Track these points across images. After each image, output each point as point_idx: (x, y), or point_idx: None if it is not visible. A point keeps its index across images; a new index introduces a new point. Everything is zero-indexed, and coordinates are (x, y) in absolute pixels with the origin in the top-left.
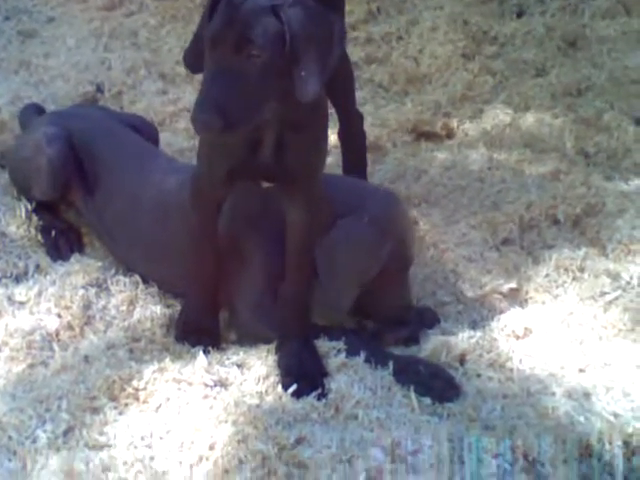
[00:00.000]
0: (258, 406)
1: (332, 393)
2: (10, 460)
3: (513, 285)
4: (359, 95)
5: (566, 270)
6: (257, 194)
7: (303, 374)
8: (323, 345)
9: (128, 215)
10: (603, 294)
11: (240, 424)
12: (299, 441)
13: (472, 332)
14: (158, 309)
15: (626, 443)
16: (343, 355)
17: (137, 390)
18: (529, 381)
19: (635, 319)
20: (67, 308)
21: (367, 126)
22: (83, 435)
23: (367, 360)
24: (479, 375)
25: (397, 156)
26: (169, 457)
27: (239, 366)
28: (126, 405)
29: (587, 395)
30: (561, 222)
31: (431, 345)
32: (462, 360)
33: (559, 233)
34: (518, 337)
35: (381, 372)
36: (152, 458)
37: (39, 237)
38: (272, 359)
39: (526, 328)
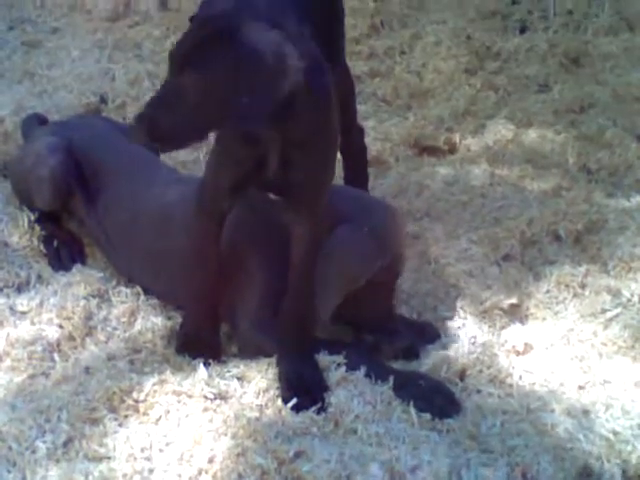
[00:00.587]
0: (258, 419)
1: (332, 407)
2: (9, 471)
3: (514, 301)
4: (362, 109)
5: (567, 286)
6: (260, 207)
7: (303, 388)
8: (323, 359)
9: (129, 226)
10: (604, 311)
11: (239, 437)
12: (298, 455)
13: (472, 347)
14: (159, 321)
15: (625, 461)
16: (343, 369)
17: (137, 402)
18: (529, 398)
19: (635, 336)
20: (68, 319)
21: (370, 140)
22: (83, 446)
23: (367, 375)
24: (479, 391)
25: (399, 170)
26: (168, 470)
27: (239, 379)
28: (126, 417)
29: (587, 412)
30: (562, 238)
31: (431, 360)
32: (462, 375)
33: (560, 249)
34: (518, 353)
35: (381, 387)
36: (151, 470)
37: (41, 247)
38: (272, 372)
39: (526, 344)
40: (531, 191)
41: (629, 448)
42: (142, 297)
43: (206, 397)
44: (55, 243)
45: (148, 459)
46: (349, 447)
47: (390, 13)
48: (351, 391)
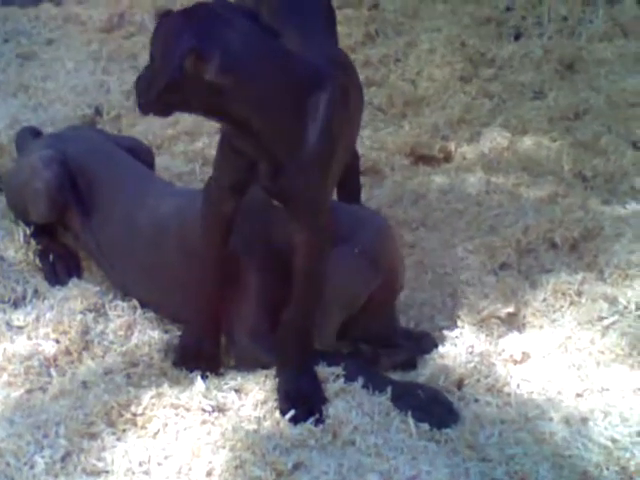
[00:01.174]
0: (256, 432)
1: (330, 419)
2: None
3: (511, 309)
4: None
5: (564, 294)
6: (258, 217)
7: (301, 400)
8: (322, 371)
9: (124, 239)
10: (601, 319)
11: (238, 450)
12: (297, 467)
13: (470, 357)
14: (156, 334)
15: (624, 469)
16: (342, 381)
17: (135, 416)
18: (527, 406)
19: (632, 344)
20: (65, 333)
21: (365, 149)
22: (81, 461)
23: (365, 386)
24: (477, 400)
25: (395, 179)
26: None
27: (237, 391)
28: (124, 431)
29: (585, 420)
30: (559, 246)
31: (429, 370)
32: (460, 385)
33: (556, 257)
34: (516, 362)
35: (379, 398)
36: None
37: (37, 262)
38: (270, 384)
39: (524, 353)
40: (527, 199)
41: (627, 455)
42: (139, 311)
43: (204, 410)
44: (51, 257)
45: (146, 473)
46: (347, 458)
47: (385, 21)
48: (349, 402)
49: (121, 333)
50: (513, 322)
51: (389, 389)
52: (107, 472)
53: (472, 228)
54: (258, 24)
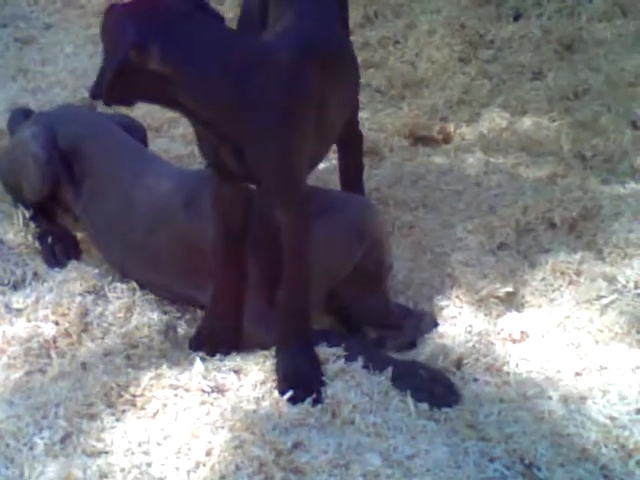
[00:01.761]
0: (255, 412)
1: (328, 398)
2: (7, 467)
3: (509, 289)
4: None
5: (562, 274)
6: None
7: (299, 380)
8: (323, 351)
9: (120, 218)
10: (599, 298)
11: (237, 430)
12: (296, 446)
13: (469, 336)
14: (155, 316)
15: (623, 446)
16: (342, 361)
17: (134, 396)
18: (525, 385)
19: (631, 322)
20: (64, 315)
21: (364, 131)
22: (80, 442)
23: (365, 365)
24: (476, 379)
25: (394, 161)
26: (166, 463)
27: (236, 372)
28: (123, 412)
29: (583, 399)
30: (557, 226)
31: (428, 349)
32: (459, 364)
33: (555, 237)
34: (514, 341)
35: (378, 377)
36: (149, 464)
37: (36, 244)
38: (269, 365)
39: (522, 332)
40: (526, 179)
41: (626, 433)
42: (138, 292)
43: (203, 390)
44: (50, 239)
45: (146, 453)
46: (347, 437)
47: (383, 3)
48: (348, 382)
49: (120, 315)
50: (512, 302)
51: (390, 369)
52: (106, 453)
53: (471, 208)
54: (201, 10)
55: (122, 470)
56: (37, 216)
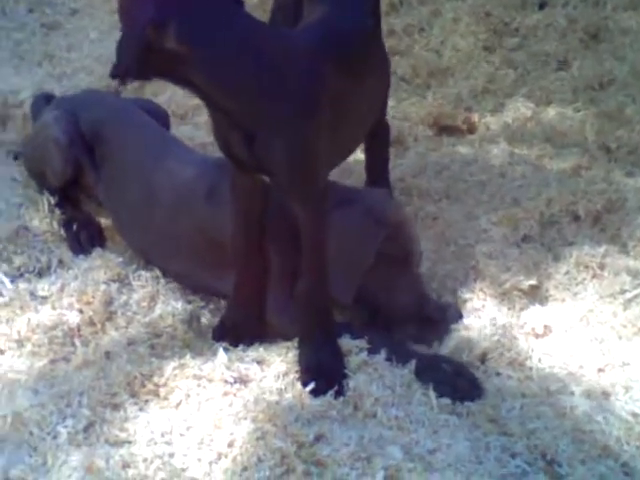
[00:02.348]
0: (277, 403)
1: (351, 391)
2: (31, 456)
3: (533, 282)
4: None
5: (586, 267)
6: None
7: (321, 372)
8: (346, 343)
9: (141, 204)
10: (623, 292)
11: (259, 421)
12: (318, 438)
13: (492, 330)
14: (179, 305)
15: None
16: (364, 354)
17: (157, 386)
18: (548, 380)
19: None
20: (89, 304)
21: (389, 120)
22: (104, 431)
23: (388, 358)
24: (498, 374)
25: (418, 150)
26: (188, 454)
27: (259, 363)
28: (146, 401)
29: (606, 394)
30: (581, 218)
31: (453, 342)
32: (483, 359)
33: (579, 230)
34: (538, 335)
35: (401, 370)
36: (171, 455)
37: (61, 231)
38: (292, 356)
39: (545, 326)
40: (550, 170)
41: None
42: (162, 281)
43: (226, 381)
44: (75, 227)
45: (168, 443)
46: (368, 430)
47: None
48: (371, 375)
49: (144, 304)
50: (535, 295)
51: (412, 362)
52: (129, 442)
53: (495, 200)
54: None
55: (144, 460)
56: (62, 203)
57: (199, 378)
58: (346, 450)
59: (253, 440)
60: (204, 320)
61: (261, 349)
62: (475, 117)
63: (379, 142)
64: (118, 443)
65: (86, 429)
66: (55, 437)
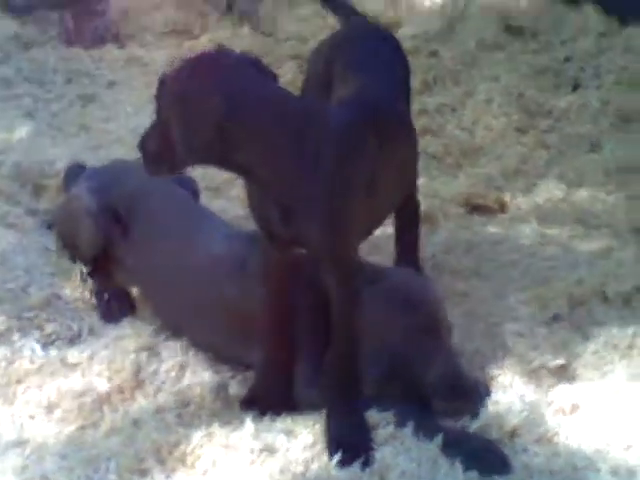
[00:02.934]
0: (304, 474)
1: (377, 463)
2: None
3: (561, 362)
4: None
5: (615, 347)
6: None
7: (348, 443)
8: (373, 416)
9: (172, 275)
10: None
11: None
12: None
13: (521, 406)
14: (207, 375)
15: None
16: (392, 426)
17: (185, 454)
18: (575, 457)
19: None
20: (118, 372)
21: (419, 197)
22: None
23: (415, 431)
24: (525, 450)
25: (449, 228)
26: None
27: (286, 433)
28: (173, 469)
29: (632, 472)
30: (611, 299)
31: (483, 417)
32: (512, 435)
33: (609, 310)
34: (565, 413)
35: (428, 444)
36: None
37: (93, 300)
38: (319, 427)
39: (574, 405)
40: (580, 251)
41: None
42: (191, 352)
43: (253, 450)
44: (106, 296)
45: None
46: None
47: (443, 69)
48: (397, 447)
49: (173, 373)
50: (563, 374)
51: (440, 436)
52: None
53: (525, 279)
54: (259, 70)
55: None
56: (94, 272)
57: (226, 447)
58: None
59: None
60: (232, 390)
61: (289, 420)
62: (506, 197)
63: (409, 219)
64: None
65: None
66: None
